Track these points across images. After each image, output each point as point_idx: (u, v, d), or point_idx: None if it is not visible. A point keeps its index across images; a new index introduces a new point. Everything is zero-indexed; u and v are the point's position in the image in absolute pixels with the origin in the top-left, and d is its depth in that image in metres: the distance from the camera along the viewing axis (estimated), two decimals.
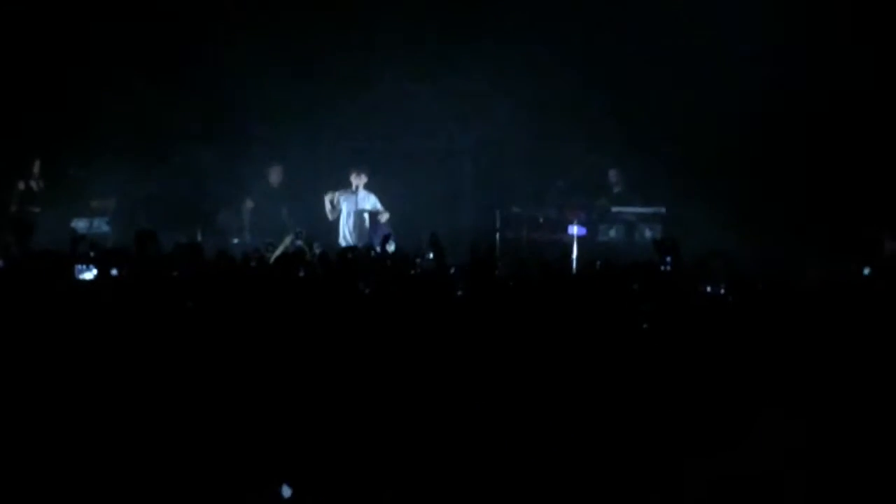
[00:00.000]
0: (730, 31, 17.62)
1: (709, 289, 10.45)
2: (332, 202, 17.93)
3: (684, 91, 18.04)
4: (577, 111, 18.61)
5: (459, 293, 10.22)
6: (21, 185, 17.61)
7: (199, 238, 16.76)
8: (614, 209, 18.00)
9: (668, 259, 11.43)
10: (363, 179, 17.89)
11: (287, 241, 15.35)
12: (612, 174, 18.62)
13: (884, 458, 7.62)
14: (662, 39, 18.34)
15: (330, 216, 17.94)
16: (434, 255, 12.58)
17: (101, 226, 17.60)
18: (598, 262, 12.22)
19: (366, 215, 17.86)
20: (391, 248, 15.32)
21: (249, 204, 18.02)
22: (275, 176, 18.20)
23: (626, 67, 18.62)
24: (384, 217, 17.82)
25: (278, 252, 14.70)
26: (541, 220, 18.01)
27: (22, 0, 18.51)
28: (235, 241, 17.47)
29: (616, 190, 18.55)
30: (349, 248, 14.02)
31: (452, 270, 11.50)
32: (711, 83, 17.85)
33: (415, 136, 19.77)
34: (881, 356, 8.33)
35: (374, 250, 13.91)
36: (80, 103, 18.72)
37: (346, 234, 17.82)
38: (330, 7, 19.09)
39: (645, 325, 8.98)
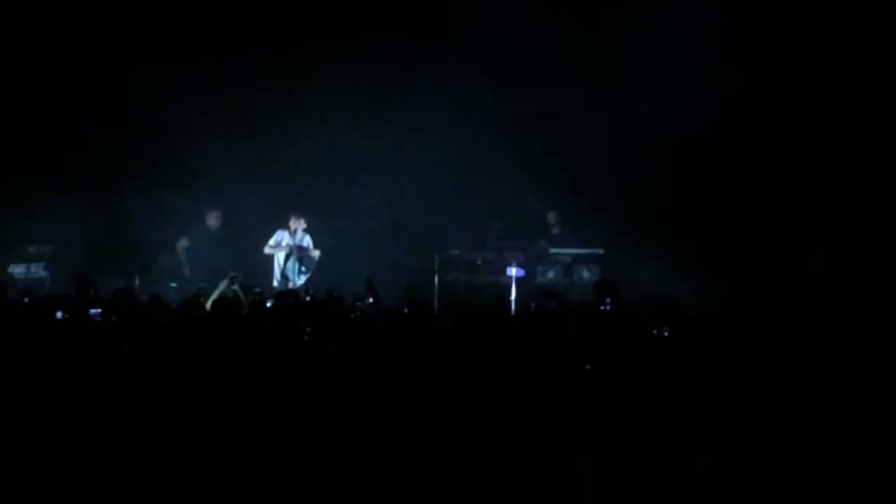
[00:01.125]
0: (664, 72, 17.82)
1: (653, 331, 10.52)
2: (277, 242, 17.90)
3: (619, 134, 18.21)
4: (513, 153, 18.72)
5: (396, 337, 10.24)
6: None
7: (137, 282, 16.69)
8: (552, 250, 18.08)
9: (608, 300, 11.51)
10: (302, 224, 17.88)
11: (222, 285, 15.29)
12: (551, 216, 18.71)
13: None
14: (597, 81, 18.47)
15: (267, 250, 17.90)
16: (372, 300, 12.63)
17: (39, 271, 17.43)
18: (533, 305, 12.26)
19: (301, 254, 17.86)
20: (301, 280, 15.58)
21: (184, 243, 17.92)
22: (213, 220, 18.13)
23: (562, 110, 18.77)
24: (314, 254, 17.85)
25: (214, 296, 14.66)
26: (479, 262, 18.05)
27: None
28: (173, 284, 17.38)
29: (555, 231, 18.62)
30: (288, 292, 14.00)
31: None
32: (645, 125, 17.99)
33: (352, 179, 19.80)
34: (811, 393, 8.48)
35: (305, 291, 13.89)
36: (13, 146, 18.57)
37: (283, 274, 17.75)
38: (267, 53, 19.10)
39: (588, 366, 9.03)
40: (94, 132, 18.72)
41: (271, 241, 17.96)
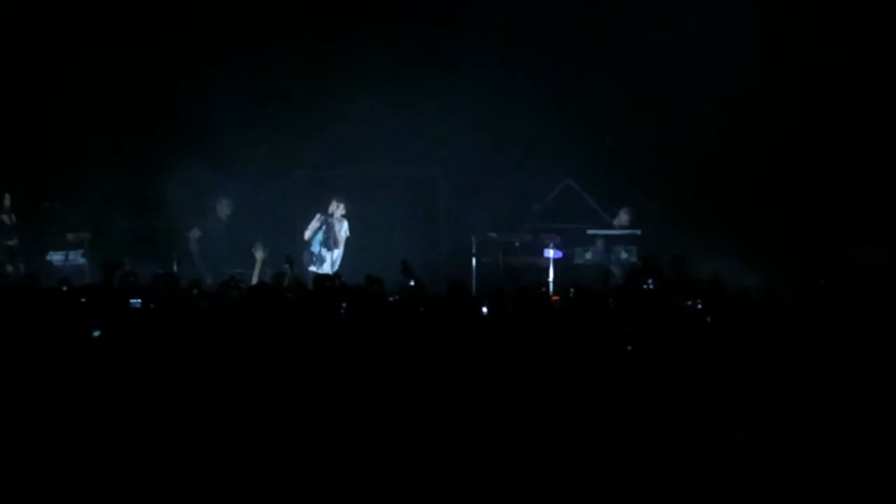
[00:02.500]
0: (699, 46, 17.77)
1: (692, 304, 10.47)
2: (319, 223, 17.85)
3: (654, 113, 18.14)
4: (549, 134, 18.65)
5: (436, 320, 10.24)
6: None
7: (175, 268, 16.72)
8: (589, 231, 17.99)
9: (650, 280, 11.46)
10: (341, 209, 17.83)
11: (258, 267, 15.32)
12: (624, 214, 18.43)
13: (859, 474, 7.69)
14: (631, 62, 18.42)
15: (307, 235, 17.84)
16: (413, 282, 12.61)
17: (77, 258, 17.50)
18: (571, 290, 12.18)
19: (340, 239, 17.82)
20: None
21: (196, 233, 17.85)
22: (224, 208, 18.02)
23: (599, 90, 18.71)
24: (343, 229, 17.82)
25: (255, 278, 14.67)
26: (517, 244, 17.99)
27: None
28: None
29: (618, 222, 18.46)
30: (327, 276, 13.98)
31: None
32: (680, 103, 17.92)
33: (388, 163, 19.78)
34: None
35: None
36: (51, 134, 18.64)
37: (320, 257, 17.70)
38: (303, 38, 19.07)
39: (629, 348, 9.00)
40: (130, 120, 18.82)
41: (311, 226, 17.89)
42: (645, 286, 11.40)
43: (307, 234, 17.79)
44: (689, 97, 17.69)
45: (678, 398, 8.28)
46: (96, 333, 9.74)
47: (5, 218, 17.44)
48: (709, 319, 10.17)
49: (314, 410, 8.38)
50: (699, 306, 10.54)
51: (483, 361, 8.90)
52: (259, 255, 15.61)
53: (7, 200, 17.49)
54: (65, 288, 12.11)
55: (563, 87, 18.85)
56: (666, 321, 9.79)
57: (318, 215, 17.78)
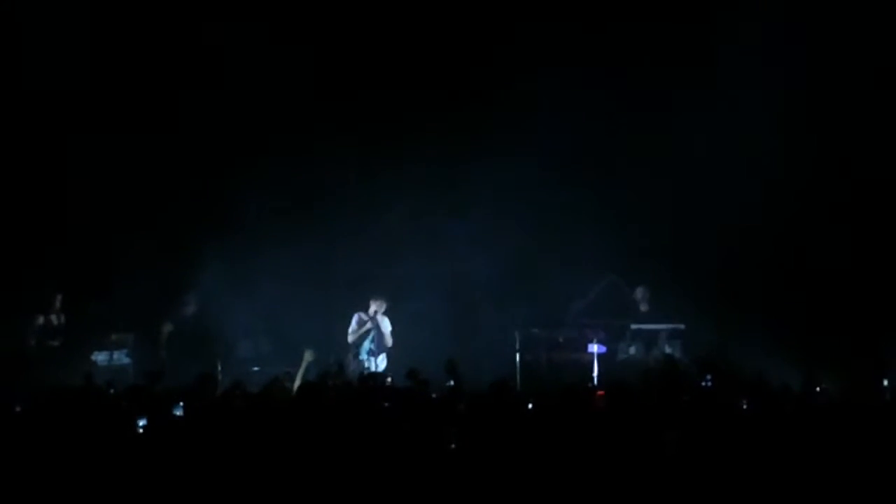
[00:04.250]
0: (739, 136, 17.86)
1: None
2: (358, 323, 17.88)
3: (699, 210, 18.20)
4: (591, 229, 18.65)
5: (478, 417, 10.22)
6: (40, 320, 17.47)
7: (220, 368, 16.76)
8: (633, 326, 17.92)
9: (709, 377, 11.41)
10: (383, 306, 17.88)
11: (304, 366, 15.33)
12: (639, 292, 18.48)
13: None
14: (673, 155, 18.50)
15: (351, 337, 17.86)
16: (453, 381, 12.60)
17: (122, 358, 17.58)
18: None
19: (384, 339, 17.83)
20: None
21: (169, 327, 17.87)
22: (191, 306, 18.10)
23: (639, 186, 18.78)
24: (386, 332, 17.83)
25: (299, 380, 14.68)
26: (560, 339, 17.96)
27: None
28: (255, 368, 17.46)
29: (643, 308, 18.43)
30: (370, 376, 14.01)
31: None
32: (717, 196, 18.00)
33: (428, 260, 19.82)
34: None
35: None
36: (94, 233, 18.79)
37: (364, 357, 17.69)
38: (336, 135, 19.22)
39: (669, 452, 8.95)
40: (172, 218, 18.96)
41: (352, 327, 17.94)
42: (704, 384, 11.37)
43: (351, 338, 17.81)
44: (733, 189, 17.79)
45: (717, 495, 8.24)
46: (142, 423, 9.80)
47: (54, 318, 17.56)
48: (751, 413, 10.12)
49: None
50: (744, 406, 10.47)
51: (529, 457, 8.87)
52: (308, 357, 15.59)
53: (58, 302, 17.60)
54: (112, 391, 12.21)
55: (606, 182, 18.88)
56: (714, 420, 9.72)
57: (356, 316, 17.83)
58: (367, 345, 17.71)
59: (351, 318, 17.99)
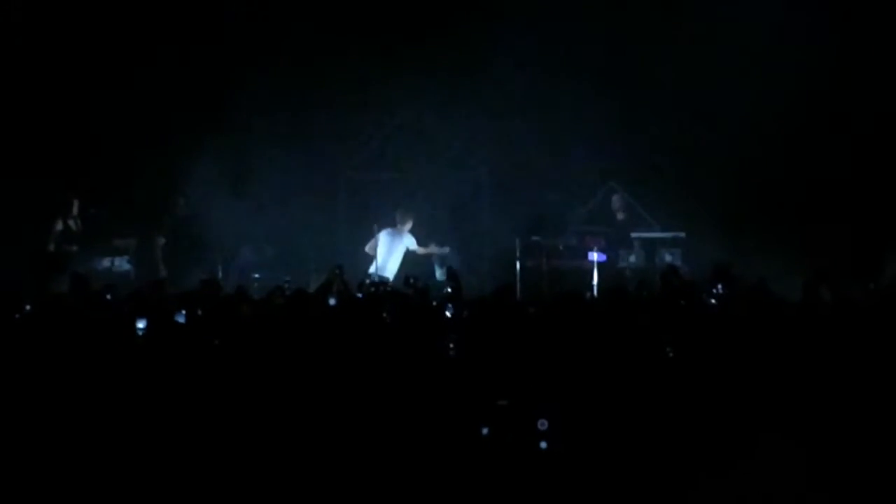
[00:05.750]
0: (749, 47, 17.80)
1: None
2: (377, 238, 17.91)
3: (704, 116, 18.19)
4: (593, 137, 18.63)
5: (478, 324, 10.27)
6: (59, 225, 17.44)
7: (220, 275, 16.79)
8: (634, 234, 17.92)
9: (720, 285, 11.48)
10: (409, 223, 17.89)
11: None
12: (615, 200, 18.46)
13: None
14: (678, 65, 18.42)
15: (371, 251, 17.87)
16: (451, 288, 12.64)
17: (123, 264, 17.58)
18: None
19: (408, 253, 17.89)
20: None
21: (161, 240, 17.90)
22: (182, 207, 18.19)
23: (644, 93, 18.74)
24: (444, 251, 17.90)
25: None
26: (561, 247, 17.97)
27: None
28: (256, 276, 17.50)
29: (619, 217, 18.41)
30: (372, 283, 14.07)
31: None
32: (726, 107, 17.95)
33: (431, 166, 19.81)
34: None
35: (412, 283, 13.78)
36: (97, 139, 18.81)
37: (384, 270, 17.69)
38: (344, 43, 19.13)
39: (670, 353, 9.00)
40: (174, 125, 18.92)
41: (382, 243, 17.93)
42: (714, 291, 11.44)
43: (369, 250, 17.87)
44: (736, 100, 17.75)
45: (717, 402, 8.28)
46: (141, 325, 9.79)
47: (71, 223, 17.52)
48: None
49: (356, 415, 8.42)
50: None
51: (530, 361, 8.93)
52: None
53: (75, 207, 17.55)
54: (109, 296, 12.13)
55: (609, 90, 18.79)
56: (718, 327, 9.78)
57: (387, 232, 17.89)
58: (383, 265, 17.71)
59: (375, 233, 17.97)
